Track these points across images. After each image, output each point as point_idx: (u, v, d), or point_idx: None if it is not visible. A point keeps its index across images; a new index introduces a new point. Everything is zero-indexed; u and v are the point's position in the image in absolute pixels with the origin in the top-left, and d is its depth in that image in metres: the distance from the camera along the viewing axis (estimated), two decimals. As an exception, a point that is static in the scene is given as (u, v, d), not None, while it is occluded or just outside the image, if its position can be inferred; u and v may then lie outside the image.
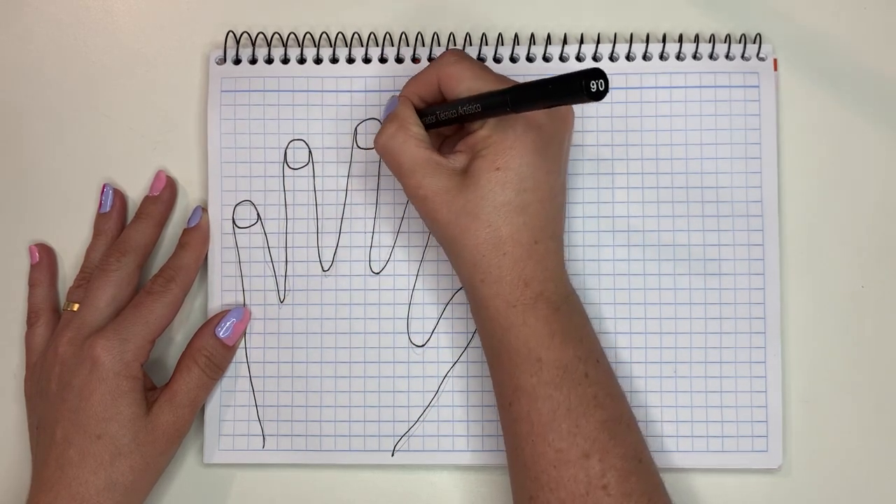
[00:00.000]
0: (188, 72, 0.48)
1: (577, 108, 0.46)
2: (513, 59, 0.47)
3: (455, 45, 0.47)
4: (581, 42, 0.47)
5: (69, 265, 0.48)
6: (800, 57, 0.47)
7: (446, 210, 0.39)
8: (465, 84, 0.40)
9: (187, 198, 0.48)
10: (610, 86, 0.36)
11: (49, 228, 0.48)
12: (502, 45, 0.47)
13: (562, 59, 0.46)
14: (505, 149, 0.39)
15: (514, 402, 0.39)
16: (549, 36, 0.47)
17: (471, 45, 0.47)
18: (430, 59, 0.47)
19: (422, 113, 0.42)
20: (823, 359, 0.46)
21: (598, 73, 0.33)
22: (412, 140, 0.40)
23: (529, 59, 0.46)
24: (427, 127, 0.41)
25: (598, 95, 0.33)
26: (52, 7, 0.49)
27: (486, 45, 0.47)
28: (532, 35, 0.47)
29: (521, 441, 0.38)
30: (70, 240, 0.48)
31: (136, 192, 0.48)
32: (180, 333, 0.47)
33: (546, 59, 0.46)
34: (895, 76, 0.47)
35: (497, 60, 0.47)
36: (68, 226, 0.48)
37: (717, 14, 0.47)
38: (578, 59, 0.46)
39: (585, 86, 0.33)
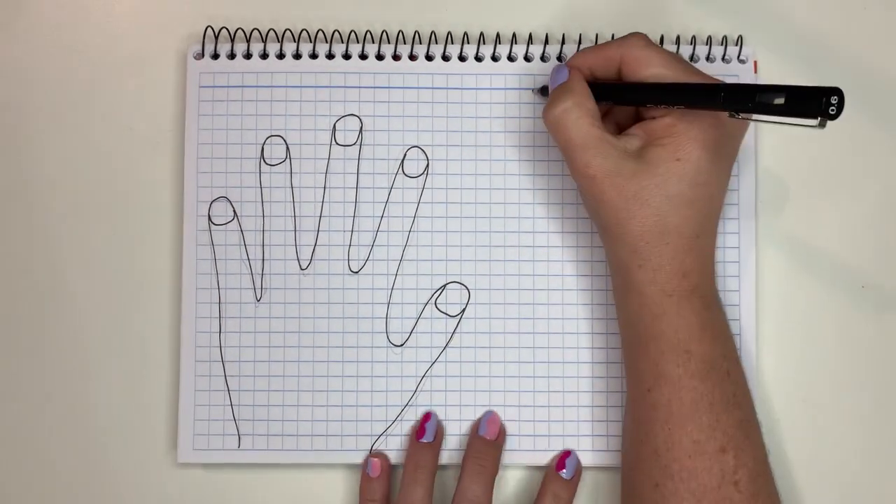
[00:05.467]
0: (167, 68, 0.47)
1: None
2: (511, 58, 0.46)
3: (443, 43, 0.47)
4: (581, 41, 0.46)
5: (69, 264, 0.47)
6: (784, 57, 0.47)
7: (615, 193, 0.39)
8: (654, 70, 0.39)
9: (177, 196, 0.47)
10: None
11: (48, 227, 0.47)
12: (500, 43, 0.46)
13: (559, 58, 0.46)
14: (689, 140, 0.38)
15: (655, 388, 0.39)
16: (547, 36, 0.46)
17: (469, 42, 0.46)
18: (410, 56, 0.46)
19: (592, 86, 0.41)
20: (823, 359, 0.47)
21: (836, 91, 0.31)
22: (586, 117, 0.39)
23: (527, 59, 0.46)
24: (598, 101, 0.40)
25: (832, 117, 0.30)
26: (51, 7, 0.48)
27: (485, 43, 0.47)
28: (531, 35, 0.47)
29: (656, 427, 0.39)
30: (69, 239, 0.47)
31: (136, 192, 0.47)
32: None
33: (544, 59, 0.46)
34: (892, 77, 0.47)
35: (495, 59, 0.46)
36: (67, 225, 0.47)
37: (699, 15, 0.48)
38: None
39: (825, 104, 0.30)
